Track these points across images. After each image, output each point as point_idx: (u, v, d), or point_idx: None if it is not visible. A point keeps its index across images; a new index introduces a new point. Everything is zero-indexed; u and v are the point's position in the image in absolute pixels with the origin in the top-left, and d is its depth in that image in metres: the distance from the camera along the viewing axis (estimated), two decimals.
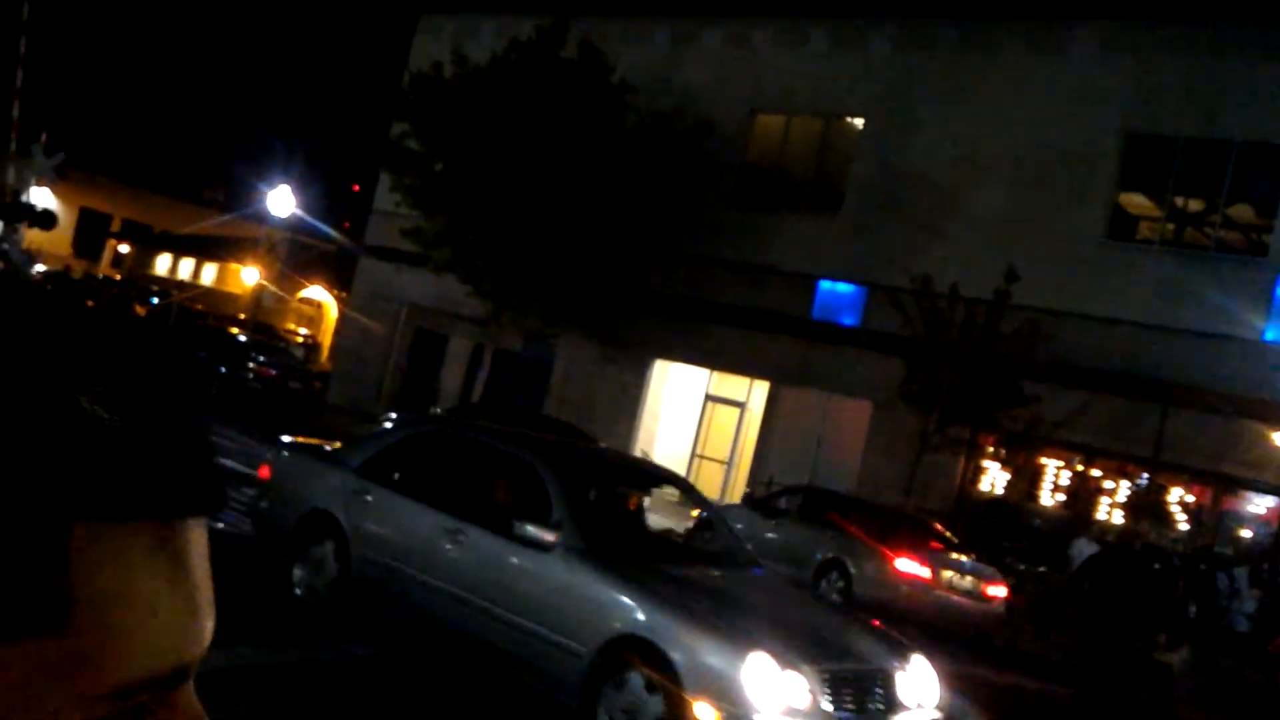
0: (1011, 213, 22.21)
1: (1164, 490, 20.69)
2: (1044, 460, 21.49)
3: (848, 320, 23.78)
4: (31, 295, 0.53)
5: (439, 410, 23.76)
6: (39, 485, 0.46)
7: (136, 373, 0.53)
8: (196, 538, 0.54)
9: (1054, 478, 21.55)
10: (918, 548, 16.30)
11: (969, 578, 16.19)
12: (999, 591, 16.53)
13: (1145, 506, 20.64)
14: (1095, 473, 21.31)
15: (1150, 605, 11.65)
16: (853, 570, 16.28)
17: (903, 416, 20.82)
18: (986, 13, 23.67)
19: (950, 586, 16.03)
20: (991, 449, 21.68)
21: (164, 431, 0.52)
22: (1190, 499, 20.51)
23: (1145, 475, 20.77)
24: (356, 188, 48.40)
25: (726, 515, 18.17)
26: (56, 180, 32.02)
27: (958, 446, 20.56)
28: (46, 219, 28.59)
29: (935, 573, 15.93)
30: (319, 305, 49.20)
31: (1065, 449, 21.13)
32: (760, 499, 20.01)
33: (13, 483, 0.45)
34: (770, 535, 17.70)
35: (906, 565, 15.86)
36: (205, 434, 0.56)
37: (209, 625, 0.55)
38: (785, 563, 17.03)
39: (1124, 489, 21.04)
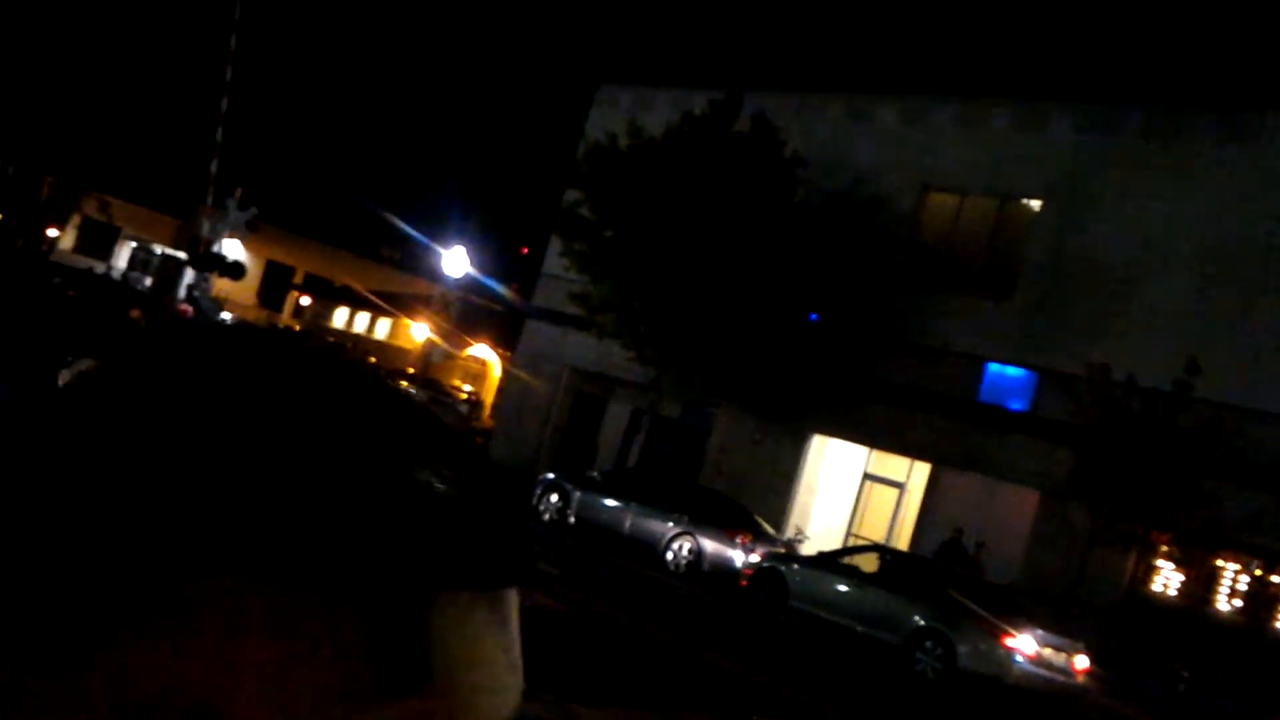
0: (1195, 303, 21.41)
1: None
2: (1221, 562, 20.45)
3: (1016, 405, 23.14)
4: (332, 364, 0.55)
5: (597, 474, 23.90)
6: (412, 556, 0.50)
7: (453, 446, 0.56)
8: (515, 603, 0.57)
9: (1231, 581, 20.47)
10: (1018, 621, 16.13)
11: (1063, 653, 16.05)
12: (1084, 664, 16.34)
13: None
14: (1276, 579, 20.18)
15: None
16: (956, 642, 15.94)
17: (1071, 508, 20.11)
18: (1173, 98, 23.05)
19: (1048, 663, 15.85)
20: (1165, 547, 20.73)
21: (493, 502, 0.55)
22: None
23: None
24: (525, 250, 49.41)
25: (775, 567, 18.22)
26: (247, 234, 33.56)
27: (1129, 543, 19.73)
28: (236, 269, 29.87)
29: (1039, 648, 15.76)
30: (484, 363, 50.27)
31: (1245, 552, 20.09)
32: (827, 554, 19.67)
33: (390, 554, 0.50)
34: (844, 592, 17.52)
35: (1016, 641, 15.67)
36: (515, 503, 0.59)
37: (521, 687, 0.58)
38: (867, 625, 16.78)
39: None
